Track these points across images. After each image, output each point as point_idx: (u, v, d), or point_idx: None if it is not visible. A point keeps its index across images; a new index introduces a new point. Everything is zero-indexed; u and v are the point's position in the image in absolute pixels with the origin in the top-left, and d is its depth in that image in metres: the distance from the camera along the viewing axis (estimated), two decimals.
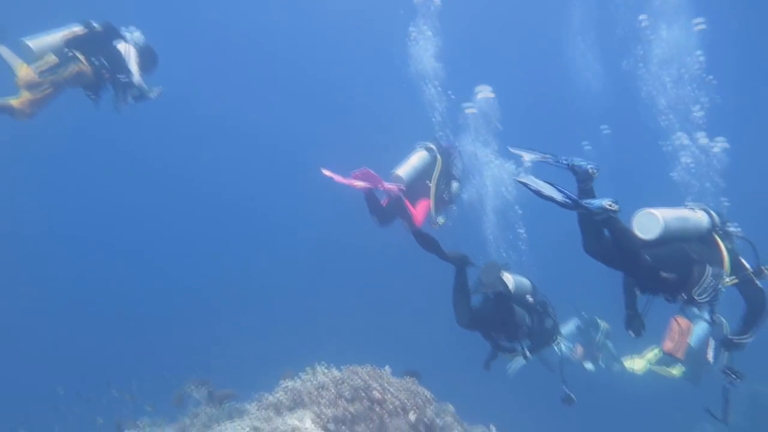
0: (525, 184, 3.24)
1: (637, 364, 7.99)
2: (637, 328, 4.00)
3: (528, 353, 5.02)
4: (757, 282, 3.84)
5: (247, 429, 3.34)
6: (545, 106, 16.74)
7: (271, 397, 4.04)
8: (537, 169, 3.89)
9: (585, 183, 3.61)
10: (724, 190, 5.92)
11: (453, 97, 6.48)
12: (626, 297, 4.17)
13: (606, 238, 3.60)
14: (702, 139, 6.20)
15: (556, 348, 5.68)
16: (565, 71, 12.97)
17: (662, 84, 6.46)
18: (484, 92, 6.53)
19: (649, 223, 3.64)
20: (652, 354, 7.92)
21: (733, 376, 3.94)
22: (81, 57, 4.77)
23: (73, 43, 4.73)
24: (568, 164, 3.64)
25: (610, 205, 3.28)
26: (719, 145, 6.18)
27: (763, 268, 3.85)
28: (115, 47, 5.01)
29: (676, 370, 7.62)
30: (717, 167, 6.12)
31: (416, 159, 5.43)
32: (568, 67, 12.50)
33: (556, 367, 5.50)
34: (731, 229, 4.01)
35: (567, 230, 3.88)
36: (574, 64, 12.17)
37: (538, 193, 3.22)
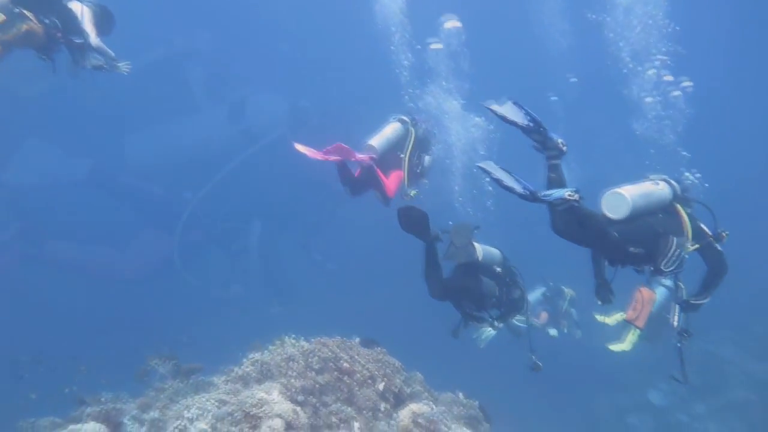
0: (485, 171, 3.24)
1: (608, 320, 8.28)
2: (605, 295, 4.14)
3: (496, 322, 5.13)
4: (717, 246, 3.99)
5: (214, 402, 3.29)
6: (511, 58, 16.54)
7: (238, 370, 3.99)
8: (508, 136, 3.85)
9: (555, 158, 3.62)
10: (684, 138, 5.94)
11: (418, 47, 6.26)
12: (595, 266, 4.29)
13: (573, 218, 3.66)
14: (667, 77, 6.16)
15: (523, 317, 5.80)
16: (530, 23, 12.75)
17: (628, 30, 6.40)
18: (451, 22, 6.26)
19: (618, 203, 3.71)
20: (618, 316, 8.21)
21: (686, 335, 4.15)
22: (30, 15, 4.45)
23: (21, 0, 4.40)
24: (540, 135, 3.61)
25: (570, 195, 3.28)
26: (684, 83, 6.17)
27: (721, 232, 4.00)
28: (66, 6, 4.69)
29: (631, 337, 7.98)
30: (681, 111, 6.13)
31: (390, 130, 5.34)
32: (534, 17, 12.27)
33: (523, 336, 5.65)
34: (691, 196, 4.13)
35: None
36: (541, 14, 11.95)
37: (498, 182, 3.23)
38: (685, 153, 5.67)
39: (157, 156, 4.02)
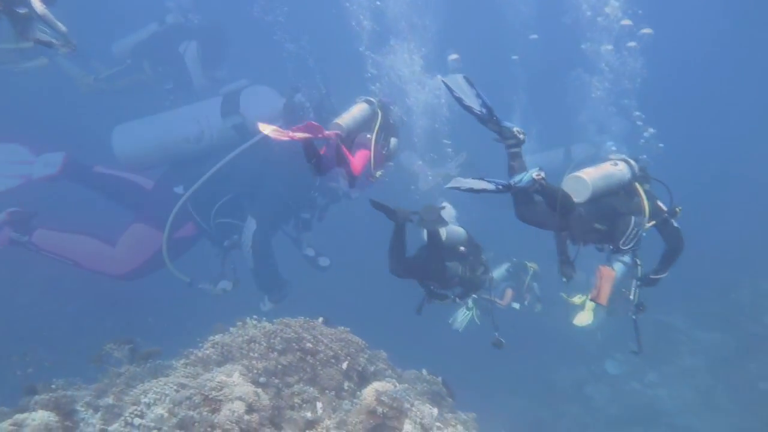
0: (457, 188, 3.34)
1: (575, 300, 8.54)
2: (568, 272, 4.26)
3: (458, 299, 5.22)
4: (674, 222, 4.13)
5: (172, 386, 3.20)
6: (471, 17, 16.32)
7: (199, 353, 3.90)
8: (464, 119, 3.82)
9: (514, 147, 3.68)
10: (641, 92, 5.90)
11: (378, 2, 6.08)
12: (558, 244, 4.38)
13: (538, 203, 3.74)
14: (625, 21, 6.05)
15: (486, 294, 5.91)
16: None
17: None
18: None
19: (578, 187, 3.79)
20: (578, 298, 8.48)
21: (642, 309, 4.34)
22: None
23: None
24: (495, 124, 3.65)
25: (538, 175, 3.38)
26: (643, 31, 6.10)
27: (677, 208, 4.14)
28: None
29: (589, 306, 8.29)
30: (637, 63, 6.06)
31: (357, 110, 5.26)
32: None
33: (491, 314, 5.79)
34: (649, 174, 4.25)
35: (499, 152, 3.90)
36: None
37: (471, 191, 3.31)
38: (637, 112, 5.62)
39: (147, 149, 3.83)
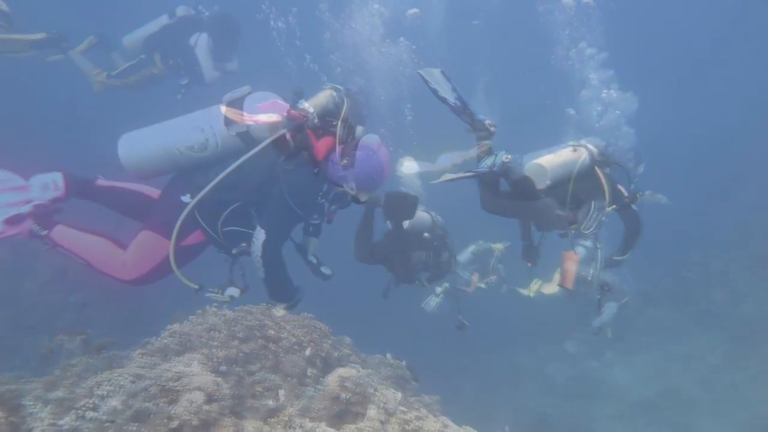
0: (451, 180, 3.40)
1: (533, 288, 8.77)
2: (533, 258, 4.35)
3: (427, 284, 5.27)
4: (633, 206, 4.25)
5: (128, 377, 3.08)
6: None
7: (157, 343, 3.78)
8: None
9: (484, 139, 3.72)
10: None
11: None
12: (522, 230, 4.45)
13: (502, 192, 3.79)
14: None
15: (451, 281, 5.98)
16: None
17: None
18: None
19: (538, 174, 3.83)
20: (535, 285, 8.71)
21: (607, 289, 4.48)
22: None
23: None
24: (468, 116, 3.69)
25: (506, 158, 3.45)
26: None
27: (636, 193, 4.26)
28: None
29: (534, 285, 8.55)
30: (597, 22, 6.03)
31: (323, 97, 5.15)
32: None
33: (456, 298, 5.86)
34: (609, 159, 4.35)
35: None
36: None
37: (454, 180, 3.42)
38: (571, 111, 5.55)
39: (153, 158, 3.66)
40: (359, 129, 5.88)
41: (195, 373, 3.02)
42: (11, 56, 5.95)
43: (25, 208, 3.37)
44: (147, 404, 2.80)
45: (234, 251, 3.76)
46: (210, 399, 2.93)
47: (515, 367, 11.35)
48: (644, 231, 4.48)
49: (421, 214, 5.19)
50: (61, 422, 2.94)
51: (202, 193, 3.24)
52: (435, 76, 3.59)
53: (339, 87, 5.56)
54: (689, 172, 17.39)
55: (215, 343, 3.55)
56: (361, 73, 5.92)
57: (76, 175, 3.75)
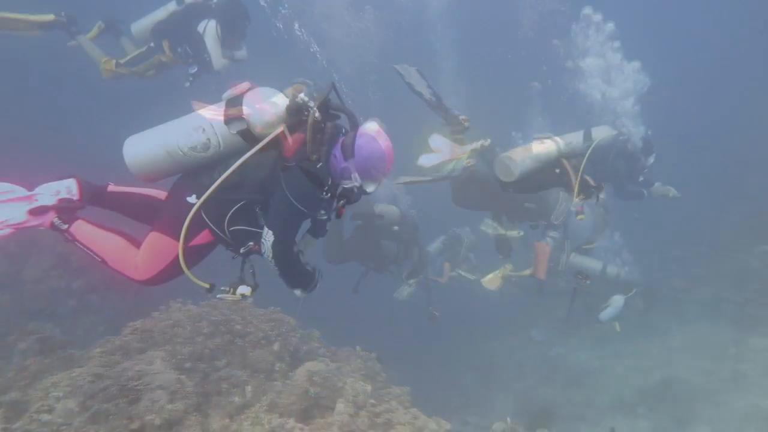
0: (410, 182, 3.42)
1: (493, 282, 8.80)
2: (505, 250, 4.39)
3: (406, 280, 5.30)
4: (601, 196, 4.33)
5: (87, 377, 2.96)
6: None
7: (117, 341, 3.65)
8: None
9: (458, 133, 3.78)
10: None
11: None
12: (495, 221, 4.49)
13: (472, 185, 3.83)
14: None
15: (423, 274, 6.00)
16: None
17: None
18: None
19: (508, 167, 3.87)
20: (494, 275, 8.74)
21: (583, 278, 4.58)
22: None
23: None
24: (443, 110, 3.72)
25: (468, 163, 3.53)
26: None
27: (602, 184, 4.33)
28: None
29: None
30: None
31: (292, 92, 5.05)
32: None
33: (427, 289, 5.89)
34: (574, 149, 4.41)
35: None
36: None
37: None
38: (563, 96, 5.50)
39: (157, 160, 3.52)
40: (329, 125, 5.79)
41: (157, 371, 2.93)
42: (19, 35, 5.79)
43: (51, 200, 3.25)
44: (106, 405, 2.70)
45: (242, 250, 3.70)
46: (173, 397, 2.85)
47: (486, 357, 11.52)
48: (611, 220, 4.59)
49: (390, 208, 5.18)
50: (14, 426, 2.81)
51: (206, 194, 3.16)
52: (411, 73, 3.61)
53: (309, 82, 5.47)
54: (698, 161, 17.30)
55: (179, 340, 3.45)
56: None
57: (89, 182, 3.62)
